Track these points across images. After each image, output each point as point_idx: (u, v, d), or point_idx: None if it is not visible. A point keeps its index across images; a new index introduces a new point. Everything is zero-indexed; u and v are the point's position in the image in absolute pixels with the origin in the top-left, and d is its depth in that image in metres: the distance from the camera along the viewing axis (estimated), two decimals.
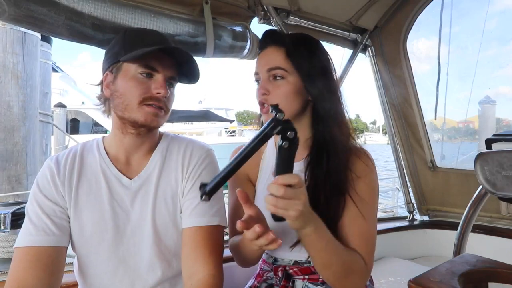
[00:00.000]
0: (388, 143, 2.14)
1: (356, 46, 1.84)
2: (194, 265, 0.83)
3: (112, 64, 0.85)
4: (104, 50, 0.93)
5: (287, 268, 0.94)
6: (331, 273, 0.78)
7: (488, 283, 0.78)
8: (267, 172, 0.97)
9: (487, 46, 1.93)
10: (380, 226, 1.94)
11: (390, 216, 3.04)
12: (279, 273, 0.94)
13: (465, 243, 1.15)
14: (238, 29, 1.31)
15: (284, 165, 0.62)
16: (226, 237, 0.97)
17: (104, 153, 0.90)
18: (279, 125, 0.59)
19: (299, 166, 0.92)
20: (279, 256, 0.97)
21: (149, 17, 1.07)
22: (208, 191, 0.61)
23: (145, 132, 0.87)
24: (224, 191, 0.98)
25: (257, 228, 0.62)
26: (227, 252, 0.93)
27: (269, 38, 0.93)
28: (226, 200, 0.98)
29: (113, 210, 0.86)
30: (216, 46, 1.22)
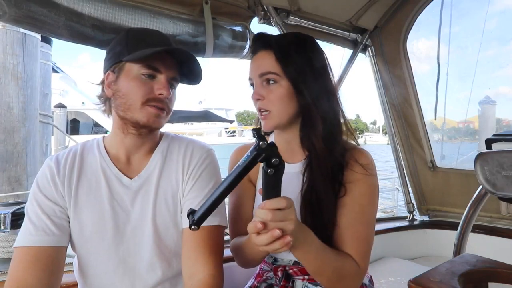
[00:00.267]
0: (388, 143, 2.14)
1: (356, 46, 1.84)
2: (194, 265, 0.83)
3: (114, 63, 0.85)
4: (104, 51, 0.93)
5: (287, 268, 0.94)
6: (324, 278, 0.79)
7: (488, 283, 0.78)
8: None
9: (487, 46, 1.93)
10: (380, 226, 1.94)
11: (390, 216, 3.04)
12: (279, 273, 0.94)
13: (465, 243, 1.15)
14: (238, 29, 1.31)
15: (271, 190, 0.62)
16: (226, 237, 0.97)
17: (105, 152, 0.90)
18: (263, 153, 0.58)
19: (298, 167, 0.91)
20: (279, 256, 0.97)
21: (149, 17, 1.07)
22: (197, 221, 0.61)
23: (146, 133, 0.87)
24: None
25: (276, 231, 0.62)
26: (226, 252, 0.93)
27: (259, 42, 0.90)
28: (226, 200, 0.98)
29: (113, 209, 0.86)
30: (216, 46, 1.22)
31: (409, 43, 1.86)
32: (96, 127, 15.78)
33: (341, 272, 0.79)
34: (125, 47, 0.85)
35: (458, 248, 1.15)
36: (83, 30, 0.98)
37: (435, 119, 2.06)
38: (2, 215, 1.66)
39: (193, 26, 1.17)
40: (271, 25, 1.49)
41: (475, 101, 2.36)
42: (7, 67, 2.00)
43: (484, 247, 1.62)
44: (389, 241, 1.93)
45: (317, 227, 0.82)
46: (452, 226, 1.90)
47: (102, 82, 0.88)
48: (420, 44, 1.92)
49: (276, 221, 0.62)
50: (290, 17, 1.50)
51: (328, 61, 0.92)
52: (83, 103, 14.38)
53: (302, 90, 0.85)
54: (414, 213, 2.16)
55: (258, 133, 0.59)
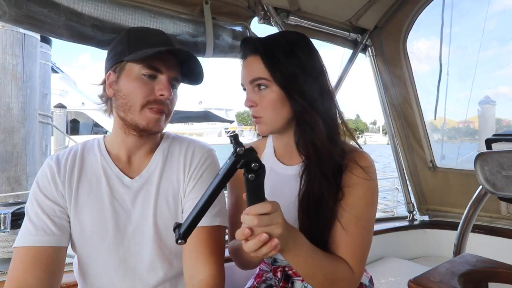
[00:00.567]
0: (388, 143, 2.14)
1: (356, 46, 1.84)
2: (195, 265, 0.83)
3: (115, 63, 0.85)
4: (104, 51, 0.93)
5: (286, 268, 0.94)
6: (315, 281, 0.78)
7: (488, 283, 0.78)
8: (266, 172, 0.97)
9: (487, 46, 1.93)
10: (380, 226, 1.95)
11: (390, 216, 3.04)
12: (278, 274, 0.94)
13: (465, 243, 1.15)
14: (238, 29, 1.31)
15: (254, 195, 0.62)
16: (226, 237, 0.97)
17: (105, 152, 0.90)
18: (241, 159, 0.57)
19: (295, 170, 0.90)
20: (278, 257, 0.97)
21: (149, 17, 1.07)
22: (183, 235, 0.61)
23: (146, 135, 0.87)
24: (224, 191, 0.98)
25: (264, 235, 0.61)
26: (226, 252, 0.93)
27: (246, 47, 0.87)
28: (226, 200, 0.98)
29: (113, 209, 0.86)
30: (216, 46, 1.22)
31: (409, 43, 1.86)
32: (96, 127, 15.78)
33: (334, 276, 0.78)
34: (126, 47, 0.84)
35: (458, 248, 1.15)
36: (83, 30, 0.98)
37: (435, 119, 2.06)
38: (2, 215, 1.66)
39: (193, 26, 1.17)
40: (271, 25, 1.49)
41: (475, 101, 2.36)
42: (6, 68, 2.00)
43: (484, 247, 1.62)
44: (389, 241, 1.93)
45: (314, 229, 0.81)
46: (452, 226, 1.91)
47: (104, 82, 0.87)
48: (420, 44, 1.93)
49: (262, 226, 0.61)
50: (290, 17, 1.51)
51: (322, 61, 0.88)
52: (83, 103, 14.38)
53: (294, 93, 0.82)
54: (414, 213, 2.16)
55: (235, 139, 0.58)
